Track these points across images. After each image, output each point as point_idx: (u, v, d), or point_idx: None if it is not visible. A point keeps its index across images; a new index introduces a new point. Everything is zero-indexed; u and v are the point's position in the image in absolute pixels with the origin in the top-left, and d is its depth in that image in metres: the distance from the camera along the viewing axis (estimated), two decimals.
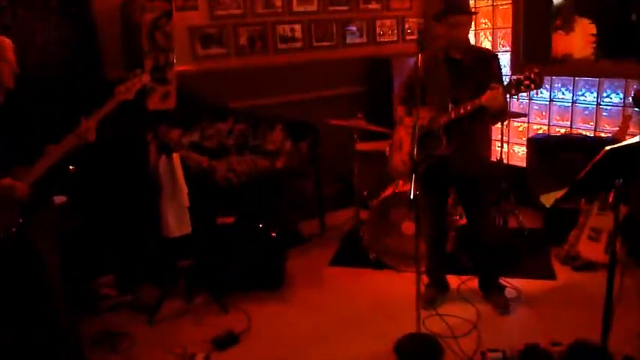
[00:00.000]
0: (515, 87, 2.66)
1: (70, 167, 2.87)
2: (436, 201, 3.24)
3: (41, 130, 2.66)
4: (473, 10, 3.21)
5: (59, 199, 3.08)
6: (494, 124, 3.17)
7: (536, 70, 2.61)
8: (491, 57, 3.04)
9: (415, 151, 2.59)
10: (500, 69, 3.04)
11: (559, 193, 1.95)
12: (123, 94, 2.74)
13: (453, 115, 2.88)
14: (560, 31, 4.52)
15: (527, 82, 2.61)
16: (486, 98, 2.71)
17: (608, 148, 1.83)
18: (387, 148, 3.39)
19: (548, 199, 2.39)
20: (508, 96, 2.89)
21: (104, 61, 3.81)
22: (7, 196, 2.44)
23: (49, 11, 3.50)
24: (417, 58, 2.80)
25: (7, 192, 2.43)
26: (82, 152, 2.67)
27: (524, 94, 3.06)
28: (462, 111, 2.84)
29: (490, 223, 3.33)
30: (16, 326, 2.70)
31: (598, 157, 1.86)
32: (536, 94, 3.15)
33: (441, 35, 2.99)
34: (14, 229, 2.48)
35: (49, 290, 2.62)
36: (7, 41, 2.51)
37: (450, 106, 2.89)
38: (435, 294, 3.35)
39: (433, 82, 3.04)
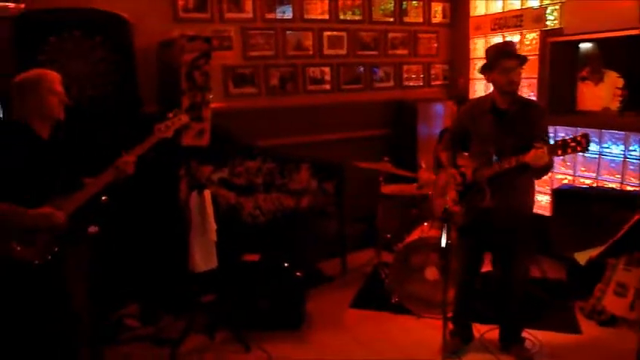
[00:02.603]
0: (562, 148, 2.64)
1: (103, 197, 2.94)
2: (473, 252, 3.23)
3: (82, 161, 2.75)
4: None
5: (91, 228, 3.15)
6: (536, 179, 3.16)
7: (583, 133, 2.63)
8: (537, 110, 3.06)
9: (448, 202, 2.61)
10: (547, 124, 3.06)
11: (594, 252, 1.96)
12: (162, 132, 2.85)
13: (497, 169, 2.89)
14: (588, 82, 4.57)
15: (573, 144, 2.61)
16: (531, 157, 2.71)
17: None
18: (431, 191, 3.43)
19: (583, 257, 2.39)
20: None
21: (141, 97, 3.92)
22: (46, 224, 2.50)
23: (93, 47, 3.63)
24: (453, 110, 2.86)
25: (46, 220, 2.49)
26: (116, 184, 2.76)
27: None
28: (505, 166, 2.85)
29: (523, 272, 3.27)
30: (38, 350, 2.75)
31: (637, 217, 1.87)
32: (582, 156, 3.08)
33: (495, 81, 3.00)
34: (49, 257, 2.53)
35: (74, 317, 2.66)
36: (55, 74, 2.63)
37: (494, 158, 2.91)
38: (459, 343, 3.32)
39: (477, 131, 3.07)
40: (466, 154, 3.16)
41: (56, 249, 2.56)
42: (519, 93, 3.13)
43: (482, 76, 3.11)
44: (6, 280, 2.53)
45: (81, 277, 2.71)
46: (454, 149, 3.23)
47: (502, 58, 2.93)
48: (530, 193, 3.16)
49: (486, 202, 2.97)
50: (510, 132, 2.94)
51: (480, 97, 3.34)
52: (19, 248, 2.48)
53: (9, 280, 2.53)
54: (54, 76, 2.63)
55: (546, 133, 3.02)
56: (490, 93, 3.12)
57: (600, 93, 4.47)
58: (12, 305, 2.61)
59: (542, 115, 3.04)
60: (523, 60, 3.02)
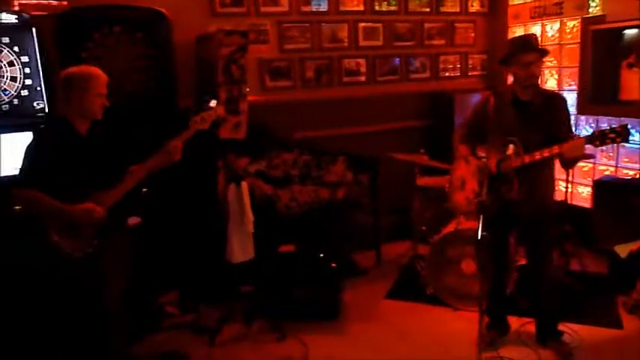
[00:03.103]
0: (600, 139, 2.62)
1: (143, 189, 3.03)
2: (499, 241, 3.20)
3: (122, 155, 2.83)
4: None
5: (133, 220, 3.24)
6: (566, 170, 3.13)
7: (622, 123, 2.60)
8: (560, 101, 3.04)
9: (484, 193, 2.60)
10: (569, 113, 3.03)
11: (635, 245, 1.91)
12: (199, 124, 2.90)
13: (527, 160, 2.86)
14: (635, 69, 4.41)
15: (612, 135, 2.58)
16: (567, 147, 2.69)
17: None
18: (447, 184, 3.42)
19: (623, 250, 2.33)
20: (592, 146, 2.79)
21: (178, 90, 4.00)
22: (87, 219, 2.58)
23: (133, 43, 3.73)
24: (488, 101, 2.84)
25: (87, 216, 2.57)
26: (155, 175, 2.84)
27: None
28: (537, 157, 2.83)
29: (552, 265, 3.25)
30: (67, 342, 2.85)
31: None
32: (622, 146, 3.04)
33: (515, 75, 3.00)
34: (90, 250, 2.62)
35: (107, 314, 2.72)
36: (104, 76, 2.70)
37: (522, 150, 2.88)
38: (496, 335, 3.30)
39: (499, 123, 3.04)
40: (486, 145, 3.13)
41: (96, 242, 2.63)
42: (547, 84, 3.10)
43: None
44: (47, 270, 2.64)
45: (118, 270, 2.77)
46: (473, 141, 3.20)
47: (520, 53, 2.91)
48: (552, 184, 3.17)
49: (513, 193, 2.95)
50: (535, 125, 2.91)
51: (501, 88, 3.30)
52: (61, 240, 2.57)
53: (50, 270, 2.65)
54: (103, 79, 2.70)
55: (569, 122, 3.01)
56: (511, 84, 3.10)
57: None
58: (49, 293, 2.72)
59: (565, 105, 3.03)
60: (543, 53, 2.99)
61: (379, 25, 5.09)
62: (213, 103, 3.03)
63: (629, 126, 2.62)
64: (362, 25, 5.02)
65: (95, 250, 2.64)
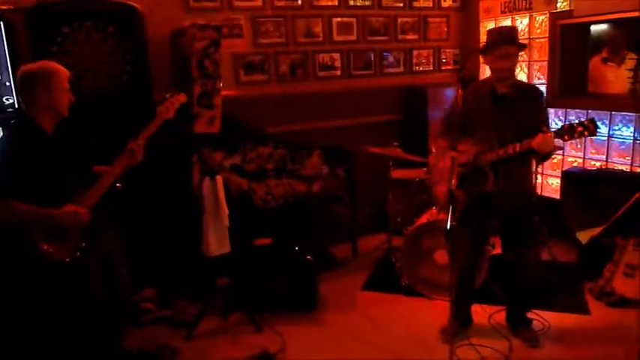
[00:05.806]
0: (569, 133, 2.67)
1: (117, 185, 3.01)
2: (476, 234, 3.24)
3: (93, 153, 2.81)
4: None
5: None
6: (539, 164, 3.15)
7: (589, 117, 2.66)
8: (536, 93, 3.05)
9: (453, 184, 2.63)
10: (546, 106, 3.04)
11: (595, 231, 1.99)
12: (164, 113, 2.92)
13: (501, 154, 2.91)
14: (610, 64, 4.52)
15: (580, 129, 2.63)
16: (537, 142, 2.73)
17: None
18: (429, 178, 3.46)
19: (584, 236, 2.39)
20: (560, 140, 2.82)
21: (153, 85, 3.98)
22: (72, 222, 2.53)
23: (106, 37, 3.69)
24: (458, 94, 2.88)
25: (72, 219, 2.52)
26: (130, 171, 2.84)
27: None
28: (510, 151, 2.87)
29: (535, 260, 3.27)
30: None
31: (637, 195, 1.90)
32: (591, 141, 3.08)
33: (491, 66, 3.04)
34: (79, 254, 2.58)
35: (92, 315, 2.71)
36: (64, 70, 2.65)
37: (497, 144, 2.93)
38: (457, 328, 3.28)
39: (477, 116, 3.07)
40: (468, 139, 3.14)
41: (84, 244, 2.60)
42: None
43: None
44: (36, 280, 2.56)
45: (100, 269, 2.75)
46: (453, 134, 3.17)
47: (497, 44, 2.94)
48: (531, 177, 3.18)
49: (489, 185, 3.00)
50: (510, 117, 2.94)
51: (480, 82, 3.32)
52: (48, 248, 2.50)
53: (39, 280, 2.56)
54: (64, 73, 2.64)
55: (546, 116, 3.02)
56: (489, 77, 3.13)
57: (624, 75, 4.40)
58: (37, 301, 2.66)
59: (541, 97, 3.04)
60: (519, 46, 3.00)
61: (353, 19, 5.13)
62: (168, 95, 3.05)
63: (595, 119, 2.69)
64: (336, 19, 5.05)
65: (83, 253, 2.59)
